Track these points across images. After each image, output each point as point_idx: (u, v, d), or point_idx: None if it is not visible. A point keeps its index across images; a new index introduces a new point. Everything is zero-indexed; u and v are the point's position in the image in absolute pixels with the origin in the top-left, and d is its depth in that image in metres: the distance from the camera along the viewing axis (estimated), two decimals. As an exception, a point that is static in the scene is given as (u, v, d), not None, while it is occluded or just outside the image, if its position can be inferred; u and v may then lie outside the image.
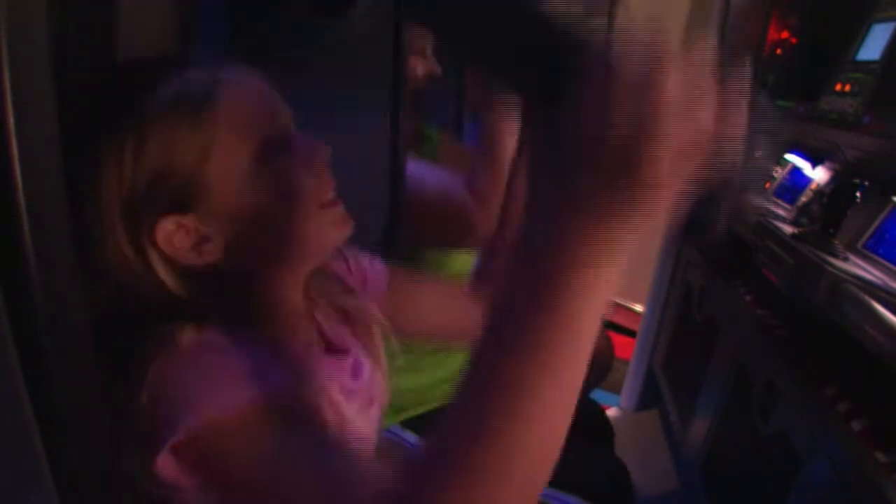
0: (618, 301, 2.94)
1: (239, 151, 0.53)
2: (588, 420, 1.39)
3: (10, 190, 0.28)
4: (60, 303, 0.32)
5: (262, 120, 0.55)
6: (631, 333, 2.49)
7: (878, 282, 0.86)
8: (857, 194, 0.98)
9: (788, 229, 1.09)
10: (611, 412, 2.12)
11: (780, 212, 1.35)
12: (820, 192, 1.22)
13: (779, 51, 1.70)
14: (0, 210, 0.28)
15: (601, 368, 1.73)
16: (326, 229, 0.59)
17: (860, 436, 0.83)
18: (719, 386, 1.40)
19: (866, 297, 0.78)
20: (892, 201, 1.01)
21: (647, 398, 2.13)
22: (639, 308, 2.70)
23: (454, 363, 1.15)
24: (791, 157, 1.45)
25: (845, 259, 0.96)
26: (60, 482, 0.33)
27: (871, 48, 1.23)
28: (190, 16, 0.67)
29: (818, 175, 1.29)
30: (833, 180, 1.20)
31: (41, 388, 0.31)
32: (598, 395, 1.87)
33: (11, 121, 0.27)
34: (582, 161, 0.34)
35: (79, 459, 0.34)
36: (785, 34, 1.69)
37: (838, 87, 1.28)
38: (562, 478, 1.09)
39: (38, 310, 0.30)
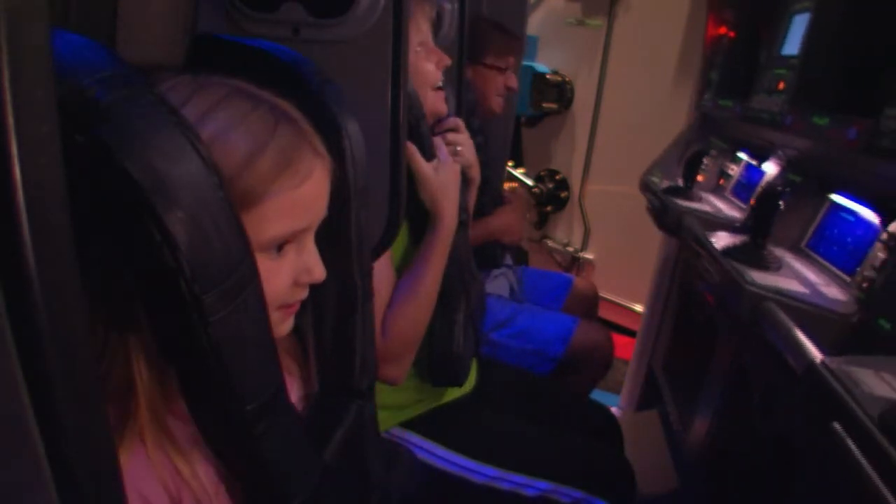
0: (618, 301, 2.94)
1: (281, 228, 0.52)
2: (595, 421, 1.39)
3: (10, 190, 0.28)
4: (60, 303, 0.32)
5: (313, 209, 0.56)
6: (631, 333, 2.49)
7: (807, 291, 0.86)
8: (781, 202, 0.95)
9: (728, 239, 1.06)
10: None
11: (735, 213, 1.33)
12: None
13: (719, 47, 1.56)
14: (0, 210, 0.28)
15: (601, 364, 1.73)
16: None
17: (860, 436, 0.83)
18: (719, 386, 1.40)
19: (783, 316, 0.78)
20: (828, 199, 1.00)
21: (647, 398, 2.13)
22: (639, 308, 2.70)
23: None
24: (742, 156, 1.43)
25: (778, 268, 0.94)
26: (60, 482, 0.33)
27: (793, 42, 1.10)
28: (191, 19, 0.67)
29: (768, 171, 1.25)
30: (780, 178, 1.17)
31: (41, 388, 0.31)
32: (598, 395, 1.87)
33: (11, 121, 0.27)
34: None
35: (79, 459, 0.34)
36: (723, 29, 1.54)
37: (766, 84, 1.18)
38: (567, 473, 1.10)
39: (38, 310, 0.30)
